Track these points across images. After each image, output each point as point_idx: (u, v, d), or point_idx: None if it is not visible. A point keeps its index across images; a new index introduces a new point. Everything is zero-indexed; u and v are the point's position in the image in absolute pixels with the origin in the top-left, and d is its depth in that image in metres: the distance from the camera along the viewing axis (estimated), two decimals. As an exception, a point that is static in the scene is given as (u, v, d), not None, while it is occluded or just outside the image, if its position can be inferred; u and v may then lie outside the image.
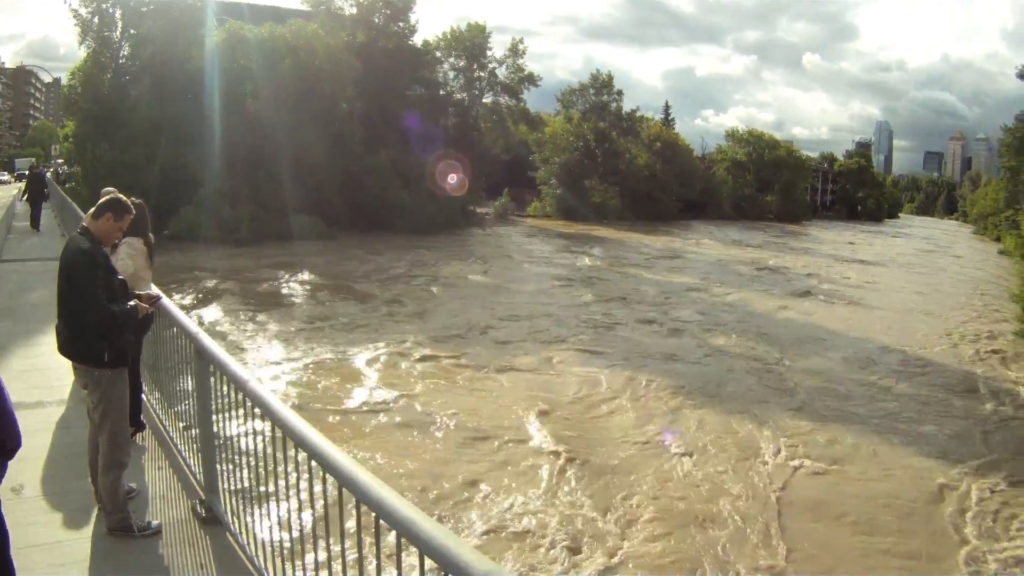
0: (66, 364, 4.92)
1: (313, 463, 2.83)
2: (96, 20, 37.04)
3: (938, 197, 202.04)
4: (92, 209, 4.42)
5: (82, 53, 37.39)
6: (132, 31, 37.54)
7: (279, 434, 3.18)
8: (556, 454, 11.16)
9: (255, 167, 35.56)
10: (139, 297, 4.52)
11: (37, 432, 5.58)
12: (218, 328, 16.42)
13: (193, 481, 4.88)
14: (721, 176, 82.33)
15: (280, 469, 3.27)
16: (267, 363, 14.45)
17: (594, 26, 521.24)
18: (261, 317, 18.32)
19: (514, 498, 9.67)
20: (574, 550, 8.63)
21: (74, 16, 36.75)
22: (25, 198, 25.64)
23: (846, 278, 35.97)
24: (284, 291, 22.95)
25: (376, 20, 47.16)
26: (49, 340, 8.35)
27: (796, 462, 11.64)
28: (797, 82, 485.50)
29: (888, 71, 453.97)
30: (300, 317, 18.72)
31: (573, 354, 16.99)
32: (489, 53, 52.00)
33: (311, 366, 14.51)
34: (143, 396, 6.19)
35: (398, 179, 41.26)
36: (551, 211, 59.63)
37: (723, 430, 12.76)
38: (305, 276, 24.94)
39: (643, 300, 24.94)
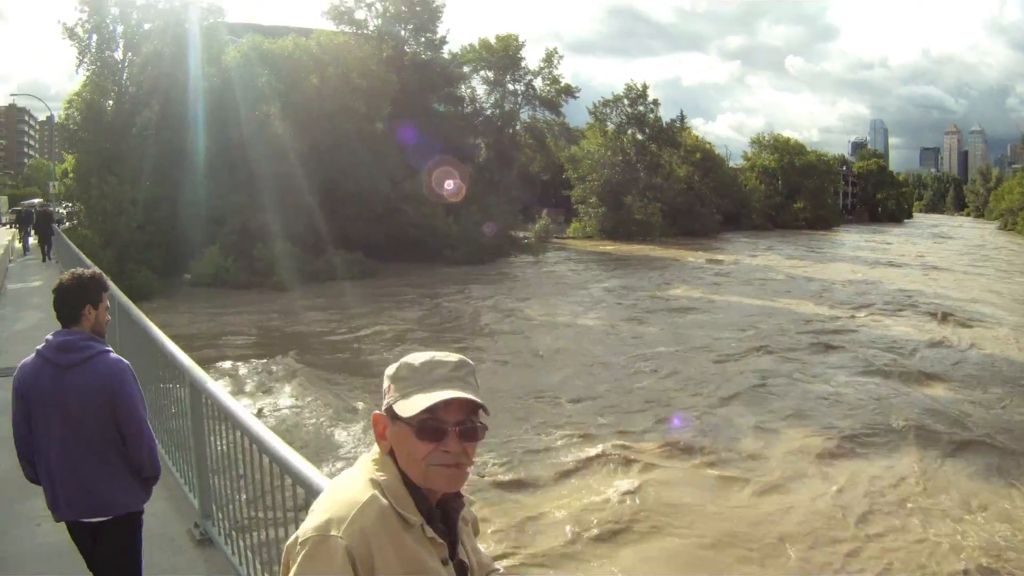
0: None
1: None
2: (95, 39, 32.37)
3: (945, 194, 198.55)
4: None
5: (80, 78, 32.74)
6: (135, 52, 32.78)
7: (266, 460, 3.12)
8: None
9: (284, 198, 30.78)
10: None
11: None
12: (295, 420, 11.59)
13: (188, 503, 4.65)
14: (752, 185, 78.40)
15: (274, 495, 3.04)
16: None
17: (578, 41, 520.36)
18: (355, 401, 13.53)
19: None
20: None
21: (68, 35, 32.06)
22: (35, 238, 24.73)
23: (944, 288, 32.82)
24: (360, 355, 18.19)
25: (402, 32, 42.74)
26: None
27: None
28: (783, 85, 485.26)
29: (871, 69, 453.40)
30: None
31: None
32: (523, 65, 47.61)
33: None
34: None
35: (441, 205, 36.66)
36: (592, 231, 55.03)
37: None
38: (372, 328, 20.11)
39: (786, 340, 20.29)
